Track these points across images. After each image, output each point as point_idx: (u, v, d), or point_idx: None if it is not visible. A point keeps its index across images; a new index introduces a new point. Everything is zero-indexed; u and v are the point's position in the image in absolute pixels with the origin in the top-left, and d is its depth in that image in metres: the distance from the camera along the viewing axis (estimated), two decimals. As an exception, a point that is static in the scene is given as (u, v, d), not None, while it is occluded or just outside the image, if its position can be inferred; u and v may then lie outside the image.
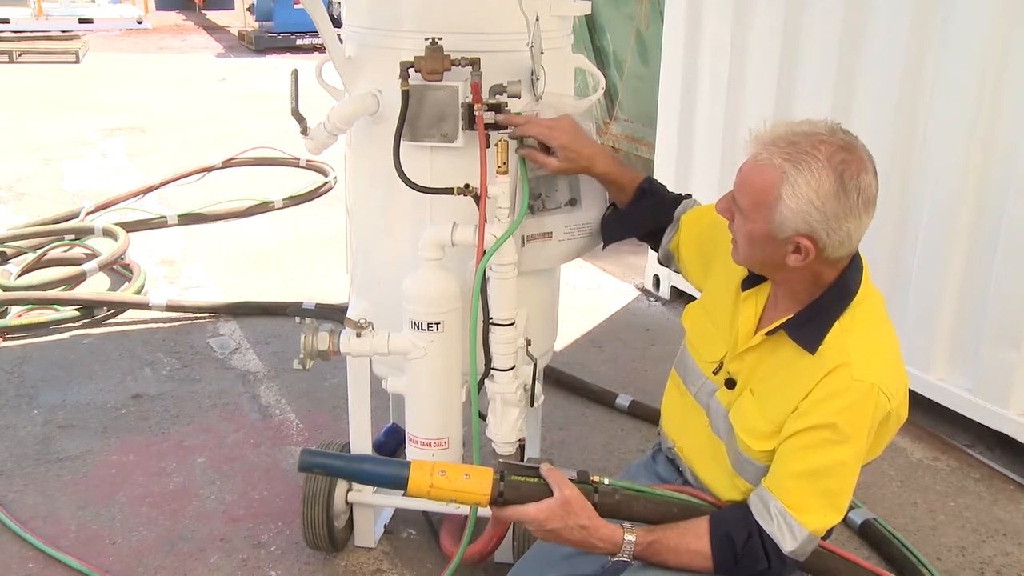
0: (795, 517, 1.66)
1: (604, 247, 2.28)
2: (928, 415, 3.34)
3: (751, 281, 1.81)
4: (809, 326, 1.68)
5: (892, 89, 3.27)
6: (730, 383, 1.82)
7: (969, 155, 3.06)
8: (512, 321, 2.12)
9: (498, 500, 1.71)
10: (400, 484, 1.71)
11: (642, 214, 2.13)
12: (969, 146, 3.05)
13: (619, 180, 2.11)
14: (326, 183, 6.27)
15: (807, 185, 1.55)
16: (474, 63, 1.99)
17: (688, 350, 1.96)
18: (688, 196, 2.16)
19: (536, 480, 1.73)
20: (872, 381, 1.61)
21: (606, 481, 1.77)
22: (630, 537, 1.70)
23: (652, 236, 2.17)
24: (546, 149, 2.05)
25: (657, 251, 2.18)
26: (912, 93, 3.22)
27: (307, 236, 5.45)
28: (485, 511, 1.87)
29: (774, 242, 1.62)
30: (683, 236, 2.08)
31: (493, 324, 2.11)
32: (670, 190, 2.17)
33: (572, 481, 1.73)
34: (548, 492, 1.70)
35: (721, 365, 1.84)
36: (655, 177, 2.17)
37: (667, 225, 2.12)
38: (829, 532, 1.84)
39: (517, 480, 1.73)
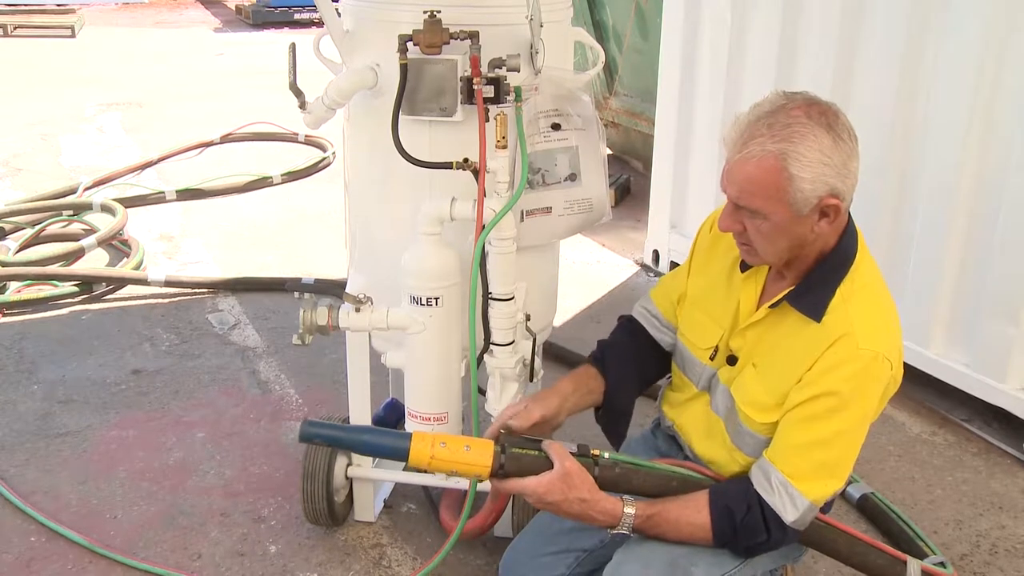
0: (796, 487, 1.67)
1: (618, 445, 2.09)
2: (926, 390, 3.35)
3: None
4: (811, 295, 1.69)
5: (893, 63, 3.25)
6: (731, 359, 1.83)
7: (969, 130, 3.04)
8: (511, 296, 2.11)
9: (499, 472, 1.72)
10: (401, 455, 1.72)
11: (625, 378, 2.02)
12: (970, 121, 3.04)
13: (581, 391, 1.99)
14: (325, 158, 6.25)
15: (809, 151, 1.56)
16: (473, 36, 1.98)
17: (682, 342, 1.97)
18: (629, 316, 2.10)
19: (537, 453, 1.74)
20: (877, 349, 1.63)
21: (606, 455, 1.77)
22: (630, 510, 1.71)
23: (659, 368, 2.07)
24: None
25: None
26: (913, 67, 3.20)
27: (306, 211, 5.43)
28: (484, 486, 1.88)
29: (799, 221, 1.62)
30: (666, 306, 2.02)
31: (492, 299, 2.11)
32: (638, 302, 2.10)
33: (572, 455, 1.74)
34: (549, 465, 1.71)
35: (716, 350, 1.86)
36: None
37: (655, 366, 2.06)
38: (829, 505, 1.85)
39: (518, 452, 1.73)
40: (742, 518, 1.69)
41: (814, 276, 1.70)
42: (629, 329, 2.08)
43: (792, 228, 1.63)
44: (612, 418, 2.03)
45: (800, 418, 1.67)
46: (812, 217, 1.62)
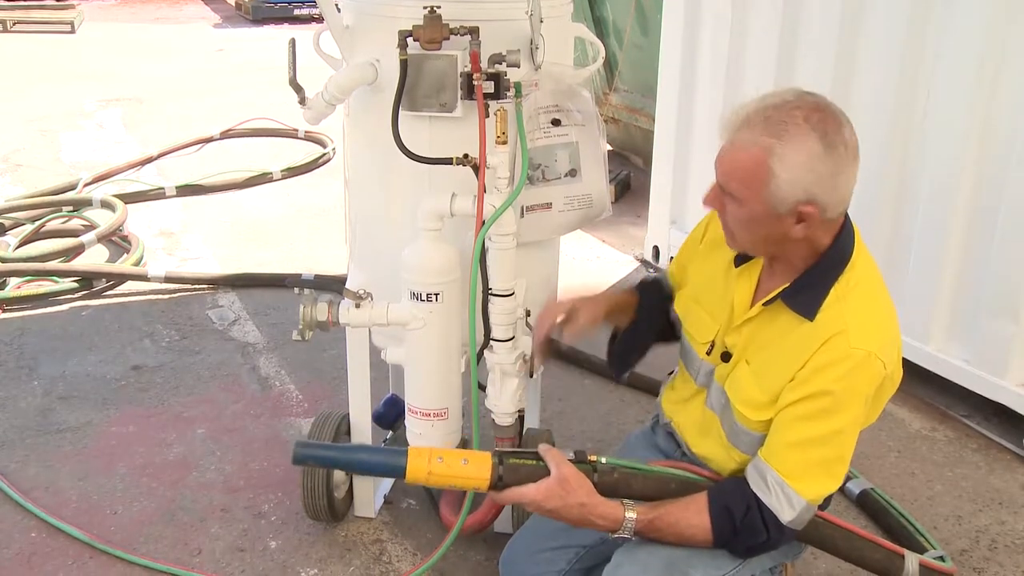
0: (792, 487, 1.67)
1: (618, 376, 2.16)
2: (926, 386, 3.35)
3: (744, 256, 1.81)
4: (805, 293, 1.68)
5: (893, 60, 3.24)
6: (726, 356, 1.83)
7: (970, 126, 3.04)
8: (511, 292, 2.11)
9: (497, 484, 1.72)
10: (398, 472, 1.72)
11: (654, 309, 2.09)
12: (970, 117, 3.03)
13: (622, 306, 2.09)
14: (324, 154, 6.24)
15: (796, 153, 1.55)
16: (473, 32, 1.97)
17: (685, 336, 1.97)
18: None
19: (534, 462, 1.73)
20: (869, 349, 1.62)
21: (603, 460, 1.77)
22: (631, 514, 1.71)
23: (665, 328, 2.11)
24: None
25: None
26: (913, 64, 3.19)
27: (306, 207, 5.43)
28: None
29: (775, 218, 1.61)
30: (675, 269, 2.08)
31: (492, 295, 2.11)
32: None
33: (570, 461, 1.74)
34: (547, 473, 1.71)
35: (713, 345, 1.86)
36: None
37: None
38: (827, 501, 1.85)
39: (515, 463, 1.73)
40: (741, 518, 1.69)
41: (808, 275, 1.69)
42: (657, 284, 2.14)
43: (766, 223, 1.63)
44: (626, 347, 2.11)
45: (793, 417, 1.67)
46: (788, 219, 1.61)
